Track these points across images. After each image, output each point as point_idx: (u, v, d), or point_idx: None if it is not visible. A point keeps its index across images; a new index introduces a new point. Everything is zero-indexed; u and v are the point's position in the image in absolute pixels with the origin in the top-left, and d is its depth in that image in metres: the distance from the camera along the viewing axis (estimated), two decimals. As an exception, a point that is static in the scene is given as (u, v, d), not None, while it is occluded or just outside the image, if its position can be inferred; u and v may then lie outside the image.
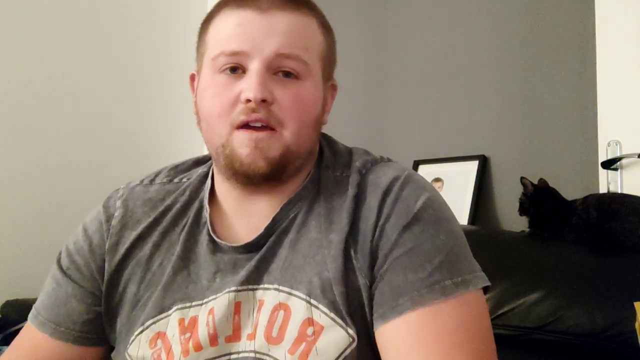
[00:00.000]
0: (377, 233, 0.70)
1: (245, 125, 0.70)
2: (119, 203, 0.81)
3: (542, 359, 1.09)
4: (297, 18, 0.73)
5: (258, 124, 0.70)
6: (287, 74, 0.72)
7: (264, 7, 0.71)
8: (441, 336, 0.65)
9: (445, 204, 0.74)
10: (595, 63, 1.46)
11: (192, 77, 0.81)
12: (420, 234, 0.69)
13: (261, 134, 0.70)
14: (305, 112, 0.73)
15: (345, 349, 0.68)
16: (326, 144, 0.82)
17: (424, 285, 0.66)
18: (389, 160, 0.79)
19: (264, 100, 0.69)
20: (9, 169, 1.91)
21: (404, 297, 0.67)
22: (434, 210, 0.71)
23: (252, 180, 0.72)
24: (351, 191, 0.74)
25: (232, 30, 0.72)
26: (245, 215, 0.77)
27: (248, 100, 0.69)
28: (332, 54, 0.79)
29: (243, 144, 0.70)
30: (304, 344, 0.67)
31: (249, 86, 0.69)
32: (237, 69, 0.71)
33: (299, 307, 0.69)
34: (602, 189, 1.42)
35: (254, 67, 0.70)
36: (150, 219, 0.79)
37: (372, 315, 0.69)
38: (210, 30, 0.75)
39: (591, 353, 1.05)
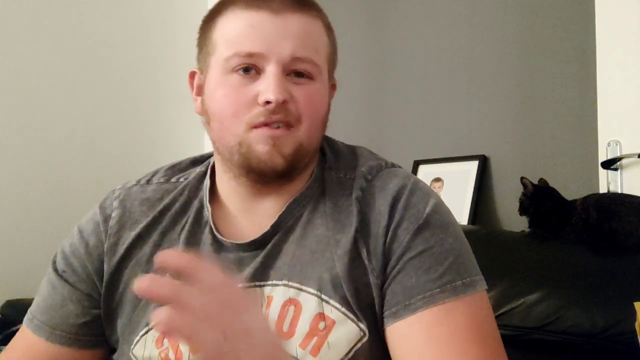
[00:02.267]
0: (389, 236, 0.72)
1: (263, 124, 0.71)
2: (116, 203, 0.81)
3: (542, 359, 1.10)
4: (307, 20, 0.73)
5: (276, 125, 0.71)
6: (299, 74, 0.73)
7: (276, 9, 0.71)
8: (455, 333, 0.67)
9: (448, 209, 0.77)
10: (595, 63, 1.45)
11: (192, 75, 0.80)
12: (430, 238, 0.71)
13: (279, 132, 0.71)
14: (316, 111, 0.74)
15: (357, 343, 0.70)
16: (326, 144, 0.83)
17: (436, 286, 0.69)
18: (393, 165, 0.80)
19: (283, 102, 0.70)
20: (10, 169, 1.91)
21: (416, 297, 0.69)
22: (440, 215, 0.74)
23: (265, 177, 0.73)
24: (358, 194, 0.75)
25: (244, 30, 0.71)
26: (250, 214, 0.78)
27: (267, 102, 0.70)
28: (335, 55, 0.80)
29: (262, 142, 0.71)
30: (315, 338, 0.69)
31: (267, 88, 0.70)
32: (250, 70, 0.71)
33: (309, 302, 0.70)
34: (602, 189, 1.42)
35: (271, 69, 0.70)
36: (149, 219, 0.79)
37: (382, 313, 0.71)
38: (216, 28, 0.74)
39: (591, 353, 1.05)
